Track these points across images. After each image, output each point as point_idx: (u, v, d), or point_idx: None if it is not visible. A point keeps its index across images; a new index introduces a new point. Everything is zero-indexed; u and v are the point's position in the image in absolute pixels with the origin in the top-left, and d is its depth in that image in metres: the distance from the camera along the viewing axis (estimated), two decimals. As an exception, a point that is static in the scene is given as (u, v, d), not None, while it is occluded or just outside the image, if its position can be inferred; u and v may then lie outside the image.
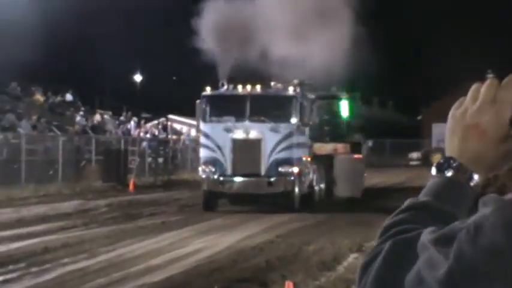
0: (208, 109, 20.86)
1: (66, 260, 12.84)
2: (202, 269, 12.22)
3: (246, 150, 19.72)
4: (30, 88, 42.07)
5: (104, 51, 42.77)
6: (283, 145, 19.36)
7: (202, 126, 20.76)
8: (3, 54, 38.31)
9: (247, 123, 20.15)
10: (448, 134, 1.41)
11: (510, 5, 59.90)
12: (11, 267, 12.21)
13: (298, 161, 19.96)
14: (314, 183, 22.06)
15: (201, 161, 20.95)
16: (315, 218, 19.10)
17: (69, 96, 44.10)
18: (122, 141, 36.18)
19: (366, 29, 24.96)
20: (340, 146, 25.33)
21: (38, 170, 28.68)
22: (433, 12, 77.20)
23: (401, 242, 1.26)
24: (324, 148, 24.77)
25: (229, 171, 19.89)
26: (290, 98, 20.21)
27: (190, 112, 29.76)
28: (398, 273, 1.21)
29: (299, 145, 19.96)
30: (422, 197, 1.39)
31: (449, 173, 1.39)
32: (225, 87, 21.33)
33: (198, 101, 21.03)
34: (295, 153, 19.69)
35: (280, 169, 19.50)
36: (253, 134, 19.90)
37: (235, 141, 19.94)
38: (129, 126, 42.23)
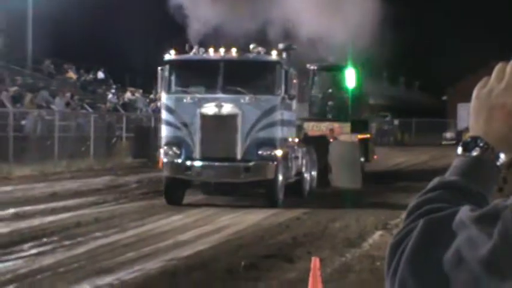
0: (172, 78, 16.84)
1: (97, 234, 12.95)
2: (230, 245, 12.25)
3: (219, 128, 16.01)
4: (63, 66, 42.32)
5: (136, 29, 42.87)
6: (264, 122, 15.83)
7: (165, 98, 16.77)
8: (38, 32, 38.57)
9: (220, 95, 16.29)
10: (473, 114, 1.38)
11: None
12: (44, 240, 12.35)
13: (283, 142, 16.49)
14: (303, 170, 18.50)
15: (163, 141, 16.76)
16: (340, 197, 18.72)
17: (100, 74, 44.31)
18: (152, 119, 36.26)
19: (393, 9, 24.05)
20: (336, 126, 22.01)
21: (70, 146, 28.88)
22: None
23: (434, 221, 1.22)
24: (318, 128, 21.81)
25: (197, 154, 16.06)
26: (273, 65, 16.37)
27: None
28: (433, 251, 1.18)
29: (284, 123, 16.46)
30: (449, 176, 1.36)
31: (475, 153, 1.36)
32: (194, 50, 16.96)
33: (159, 68, 16.92)
34: (279, 132, 16.22)
35: (260, 152, 15.88)
36: (227, 109, 16.09)
37: (205, 118, 16.10)
38: (159, 104, 42.18)
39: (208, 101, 16.19)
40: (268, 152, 15.95)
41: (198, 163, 16.12)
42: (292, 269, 10.35)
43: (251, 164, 15.91)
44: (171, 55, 16.91)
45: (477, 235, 1.14)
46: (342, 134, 22.24)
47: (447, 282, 1.16)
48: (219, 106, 16.12)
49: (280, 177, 16.25)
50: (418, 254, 1.20)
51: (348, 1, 21.79)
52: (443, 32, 71.19)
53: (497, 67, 1.37)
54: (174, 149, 16.23)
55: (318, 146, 20.02)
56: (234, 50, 16.59)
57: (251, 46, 17.12)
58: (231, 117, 16.06)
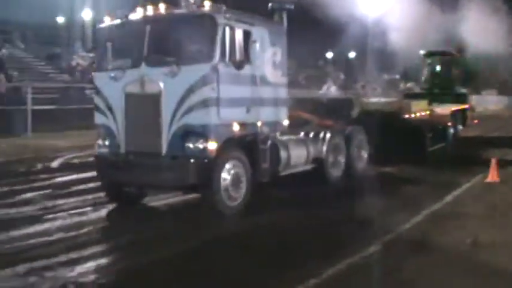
0: (101, 51, 12.10)
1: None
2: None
3: (141, 111, 11.13)
4: None
5: None
6: (189, 102, 10.46)
7: (94, 76, 12.24)
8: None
9: (143, 67, 11.11)
10: None
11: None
12: None
13: (222, 130, 10.76)
14: (324, 156, 13.72)
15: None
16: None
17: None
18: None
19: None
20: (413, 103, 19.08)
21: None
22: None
23: None
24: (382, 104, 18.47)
25: (122, 147, 11.37)
26: (202, 20, 10.76)
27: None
28: None
29: (226, 102, 10.73)
30: None
31: None
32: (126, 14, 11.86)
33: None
34: (215, 115, 10.53)
35: (188, 144, 10.59)
36: (149, 85, 10.96)
37: (128, 99, 11.26)
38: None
39: (131, 75, 11.17)
40: (197, 145, 10.51)
41: (123, 159, 11.26)
42: None
43: (174, 161, 10.61)
44: (104, 22, 12.03)
45: None
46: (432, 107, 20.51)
47: None
48: (142, 82, 11.01)
49: (224, 182, 10.73)
50: None
51: None
52: None
53: None
54: (101, 140, 11.63)
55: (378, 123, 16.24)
56: (162, 6, 11.26)
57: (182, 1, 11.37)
58: (153, 97, 10.84)
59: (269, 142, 11.83)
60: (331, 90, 54.50)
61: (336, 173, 14.44)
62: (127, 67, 11.27)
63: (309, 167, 13.54)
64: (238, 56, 10.77)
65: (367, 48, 44.71)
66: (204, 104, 10.41)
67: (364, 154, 15.76)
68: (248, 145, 11.43)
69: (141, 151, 11.03)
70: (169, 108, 10.60)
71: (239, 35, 10.89)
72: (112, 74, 11.34)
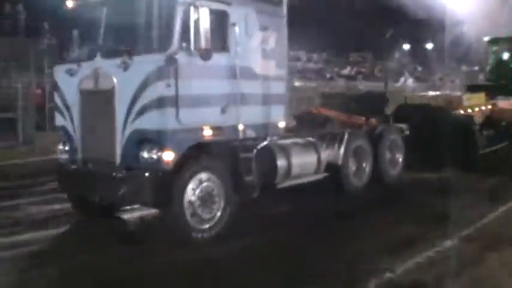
0: (64, 37, 10.09)
1: None
2: None
3: (95, 111, 9.11)
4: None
5: None
6: (144, 100, 8.34)
7: (54, 70, 9.95)
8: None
9: (98, 59, 9.10)
10: None
11: None
12: None
13: (184, 137, 8.45)
14: (340, 163, 11.39)
15: None
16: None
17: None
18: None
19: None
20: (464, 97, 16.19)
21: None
22: None
23: None
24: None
25: (79, 153, 9.42)
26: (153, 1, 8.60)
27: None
28: None
29: (190, 101, 8.42)
30: None
31: None
32: None
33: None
34: (172, 117, 8.27)
35: (142, 153, 8.41)
36: (103, 81, 8.91)
37: (82, 96, 9.27)
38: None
39: (87, 70, 9.14)
40: (150, 155, 8.38)
41: (79, 167, 9.35)
42: None
43: (127, 174, 8.53)
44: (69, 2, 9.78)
45: None
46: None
47: None
48: (96, 77, 8.99)
49: (191, 198, 8.54)
50: None
51: None
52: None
53: None
54: (61, 145, 9.66)
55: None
56: None
57: None
58: (106, 94, 8.78)
59: (256, 149, 9.56)
60: (408, 82, 51.41)
61: (357, 182, 11.99)
62: (83, 59, 9.37)
63: (320, 176, 11.15)
64: (204, 42, 8.40)
65: (444, 39, 42.44)
66: (158, 104, 8.29)
67: (399, 158, 13.25)
68: (226, 154, 9.21)
69: (98, 158, 9.11)
70: (122, 109, 8.59)
71: (210, 16, 8.53)
72: (68, 68, 9.49)
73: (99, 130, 9.03)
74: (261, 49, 9.72)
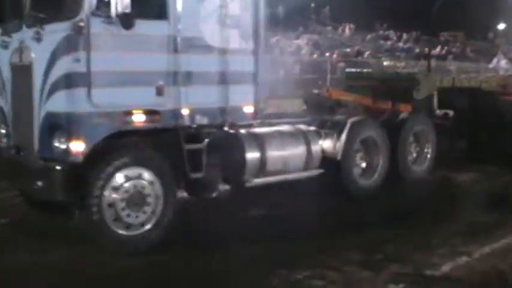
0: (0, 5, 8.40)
1: None
2: None
3: (19, 89, 7.83)
4: None
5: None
6: (52, 78, 7.00)
7: None
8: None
9: (24, 29, 7.66)
10: None
11: None
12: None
13: (100, 122, 6.96)
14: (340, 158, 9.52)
15: None
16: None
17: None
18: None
19: None
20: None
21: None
22: None
23: None
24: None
25: (11, 137, 8.23)
26: None
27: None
28: None
29: (108, 78, 6.95)
30: None
31: None
32: None
33: None
34: (83, 98, 6.85)
35: (53, 141, 6.97)
36: (25, 54, 7.54)
37: (12, 71, 7.93)
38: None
39: (16, 43, 7.80)
40: (59, 144, 6.93)
41: (11, 154, 8.00)
42: None
43: (41, 165, 7.14)
44: None
45: None
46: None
47: None
48: (21, 50, 7.65)
49: (113, 198, 7.06)
50: None
51: None
52: None
53: None
54: (2, 128, 8.34)
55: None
56: None
57: None
58: (26, 70, 7.44)
59: (207, 139, 7.79)
60: (501, 63, 48.08)
61: (366, 182, 9.92)
62: (14, 30, 8.08)
63: (312, 173, 9.19)
64: (122, 6, 6.72)
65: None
66: (66, 82, 6.88)
67: (428, 152, 11.08)
68: (165, 145, 7.49)
69: (23, 145, 7.87)
70: (38, 87, 7.26)
71: None
72: (2, 40, 8.27)
73: (22, 112, 7.74)
74: (218, 17, 7.91)
